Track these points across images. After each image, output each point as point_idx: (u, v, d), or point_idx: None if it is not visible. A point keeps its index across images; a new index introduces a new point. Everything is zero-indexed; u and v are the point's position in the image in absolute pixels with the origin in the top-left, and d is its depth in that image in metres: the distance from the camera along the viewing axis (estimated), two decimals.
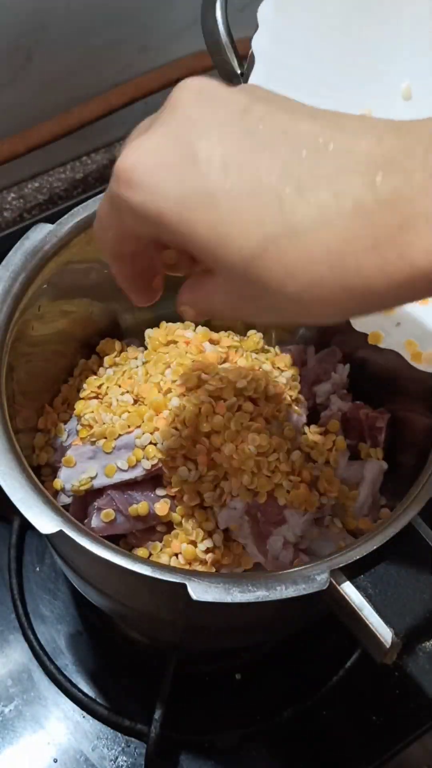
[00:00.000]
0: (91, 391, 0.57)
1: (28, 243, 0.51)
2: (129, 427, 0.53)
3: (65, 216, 0.53)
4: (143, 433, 0.53)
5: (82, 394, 0.57)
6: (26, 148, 0.83)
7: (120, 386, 0.56)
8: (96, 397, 0.57)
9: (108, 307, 0.61)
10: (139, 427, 0.53)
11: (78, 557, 0.50)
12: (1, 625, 0.65)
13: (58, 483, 0.53)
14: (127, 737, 0.61)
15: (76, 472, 0.53)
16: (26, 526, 0.66)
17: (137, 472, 0.52)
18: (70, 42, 0.82)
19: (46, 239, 0.52)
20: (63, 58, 0.83)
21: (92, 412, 0.54)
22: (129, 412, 0.54)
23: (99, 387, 0.57)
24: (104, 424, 0.53)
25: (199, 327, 0.59)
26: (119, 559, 0.42)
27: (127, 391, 0.55)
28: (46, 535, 0.42)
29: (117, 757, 0.60)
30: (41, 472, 0.57)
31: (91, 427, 0.54)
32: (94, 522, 0.52)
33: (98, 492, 0.53)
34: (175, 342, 0.58)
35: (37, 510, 0.43)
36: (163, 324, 0.60)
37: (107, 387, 0.56)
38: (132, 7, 0.83)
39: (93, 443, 0.54)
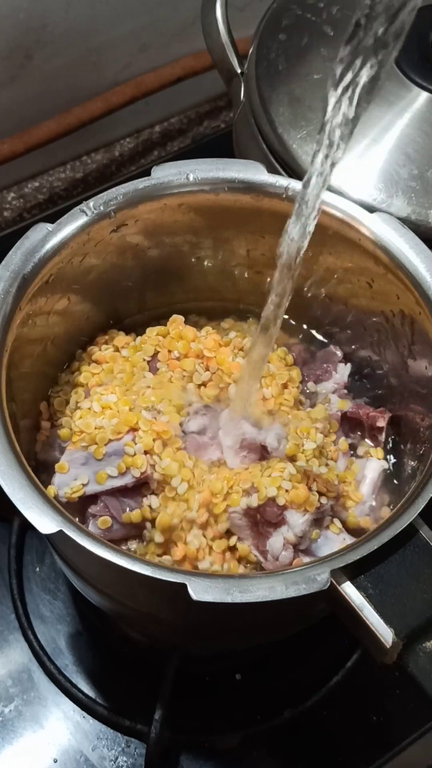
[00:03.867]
0: (84, 396, 0.57)
1: (28, 243, 0.51)
2: (119, 433, 0.53)
3: (65, 216, 0.53)
4: (135, 443, 0.52)
5: (76, 398, 0.57)
6: (26, 148, 0.83)
7: (113, 393, 0.56)
8: (88, 401, 0.56)
9: (107, 307, 0.61)
10: (128, 433, 0.53)
11: (78, 557, 0.50)
12: (1, 625, 0.65)
13: (51, 490, 0.53)
14: (127, 737, 0.61)
15: (69, 478, 0.53)
16: (26, 526, 0.65)
17: (127, 479, 0.52)
18: (70, 42, 0.82)
19: (46, 239, 0.52)
20: (63, 58, 0.83)
21: (81, 417, 0.54)
22: (118, 417, 0.53)
23: (92, 390, 0.57)
24: (95, 429, 0.53)
25: (206, 327, 0.60)
26: (119, 559, 0.42)
27: (112, 396, 0.55)
28: (46, 535, 0.42)
29: (117, 758, 0.60)
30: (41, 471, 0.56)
31: (82, 432, 0.54)
32: (91, 528, 0.52)
33: (93, 498, 0.53)
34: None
35: (37, 510, 0.43)
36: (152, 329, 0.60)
37: (99, 392, 0.56)
38: (132, 7, 0.83)
39: (85, 448, 0.53)
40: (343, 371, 0.61)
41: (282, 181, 0.55)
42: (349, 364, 0.61)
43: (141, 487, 0.53)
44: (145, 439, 0.52)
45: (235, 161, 0.56)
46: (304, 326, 0.64)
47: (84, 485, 0.52)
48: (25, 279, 0.50)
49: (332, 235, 0.55)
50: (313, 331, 0.63)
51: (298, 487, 0.52)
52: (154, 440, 0.52)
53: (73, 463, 0.53)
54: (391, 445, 0.59)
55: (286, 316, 0.63)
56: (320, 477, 0.54)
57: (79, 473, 0.53)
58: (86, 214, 0.53)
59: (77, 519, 0.53)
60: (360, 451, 0.59)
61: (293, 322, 0.64)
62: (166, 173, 0.55)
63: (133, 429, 0.53)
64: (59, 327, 0.57)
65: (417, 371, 0.54)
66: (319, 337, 0.63)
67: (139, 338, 0.60)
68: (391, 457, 0.59)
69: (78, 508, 0.54)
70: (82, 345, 0.61)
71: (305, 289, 0.61)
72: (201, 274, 0.62)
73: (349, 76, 0.37)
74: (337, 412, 0.59)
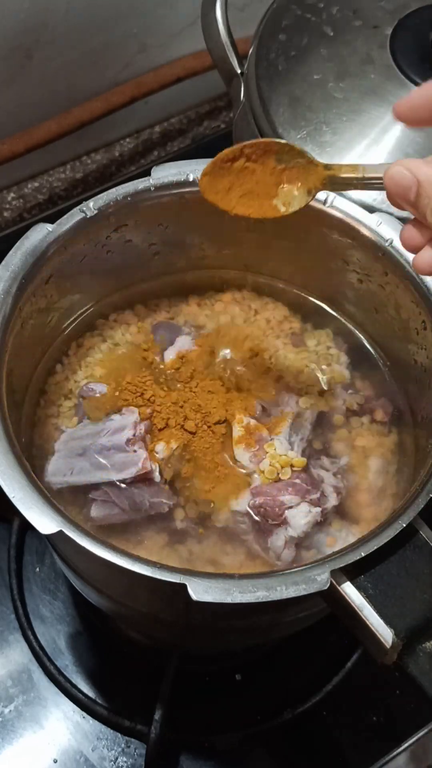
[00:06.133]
0: (80, 392, 0.57)
1: (28, 243, 0.51)
2: (122, 429, 0.53)
3: (65, 216, 0.53)
4: (139, 439, 0.53)
5: (72, 395, 0.57)
6: (26, 148, 0.83)
7: (109, 384, 0.56)
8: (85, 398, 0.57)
9: (107, 306, 0.61)
10: (132, 428, 0.53)
11: (78, 557, 0.50)
12: (1, 625, 0.65)
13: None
14: (127, 737, 0.61)
15: (65, 468, 0.53)
16: (26, 526, 0.66)
17: (126, 474, 0.52)
18: (70, 42, 0.82)
19: (45, 239, 0.52)
20: (63, 58, 0.83)
21: (74, 413, 0.55)
22: (119, 413, 0.54)
23: (90, 384, 0.57)
24: (94, 423, 0.53)
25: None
26: (119, 559, 0.42)
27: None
28: (46, 535, 0.42)
29: (117, 758, 0.60)
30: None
31: (82, 426, 0.54)
32: (93, 512, 0.52)
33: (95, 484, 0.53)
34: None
35: (37, 510, 0.43)
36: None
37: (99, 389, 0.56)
38: (132, 7, 0.83)
39: (82, 440, 0.54)
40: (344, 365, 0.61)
41: None
42: (350, 360, 0.61)
43: (142, 475, 0.53)
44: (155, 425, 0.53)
45: None
46: (315, 300, 0.63)
47: (79, 476, 0.52)
48: (25, 279, 0.50)
49: (332, 234, 0.56)
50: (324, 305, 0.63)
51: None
52: (160, 430, 0.53)
53: (70, 454, 0.53)
54: (392, 442, 0.59)
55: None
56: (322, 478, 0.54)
57: (74, 463, 0.53)
58: (86, 214, 0.53)
59: (77, 503, 0.53)
60: (362, 447, 0.59)
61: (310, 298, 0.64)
62: (166, 173, 0.55)
63: (136, 424, 0.53)
64: (59, 326, 0.58)
65: (417, 368, 0.55)
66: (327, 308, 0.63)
67: (138, 335, 0.60)
68: (392, 455, 0.59)
69: (80, 493, 0.54)
70: (81, 343, 0.61)
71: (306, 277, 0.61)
72: (200, 272, 0.63)
73: None
74: (343, 407, 0.59)
